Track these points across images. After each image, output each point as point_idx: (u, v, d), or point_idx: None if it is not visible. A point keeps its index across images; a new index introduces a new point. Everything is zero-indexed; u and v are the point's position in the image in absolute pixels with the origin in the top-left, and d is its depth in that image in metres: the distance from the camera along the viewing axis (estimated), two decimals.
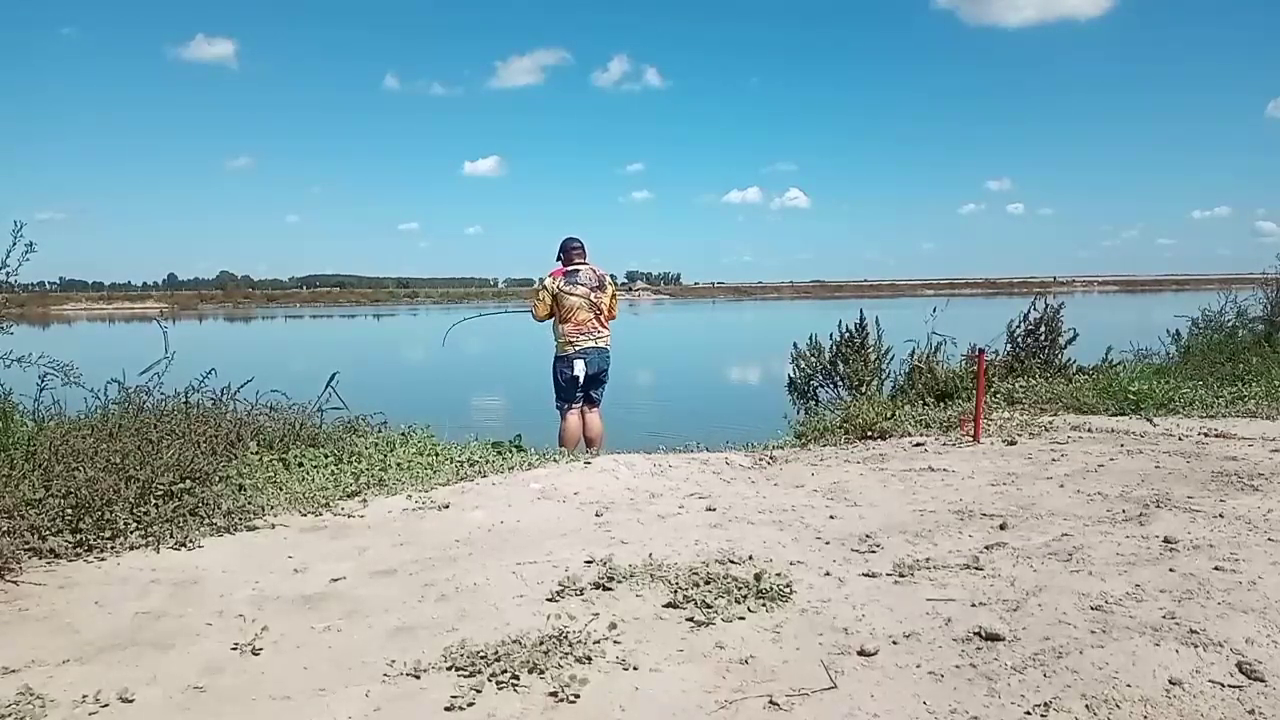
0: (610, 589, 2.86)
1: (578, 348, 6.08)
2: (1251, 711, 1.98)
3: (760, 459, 5.17)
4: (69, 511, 3.41)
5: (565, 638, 2.44)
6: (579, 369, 6.05)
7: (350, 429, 5.27)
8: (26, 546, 3.16)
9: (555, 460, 5.06)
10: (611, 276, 6.46)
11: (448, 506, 4.04)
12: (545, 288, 6.16)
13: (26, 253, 3.77)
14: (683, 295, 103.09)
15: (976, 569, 2.96)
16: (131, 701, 2.20)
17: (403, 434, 5.29)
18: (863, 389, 7.25)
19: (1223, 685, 2.08)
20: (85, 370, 4.22)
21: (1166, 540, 3.17)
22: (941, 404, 6.51)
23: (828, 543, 3.36)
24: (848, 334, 7.90)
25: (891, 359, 7.73)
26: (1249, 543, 3.13)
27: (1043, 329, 7.71)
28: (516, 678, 2.23)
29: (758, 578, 2.83)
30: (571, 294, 6.10)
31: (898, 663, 2.29)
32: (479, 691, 2.18)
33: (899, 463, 4.83)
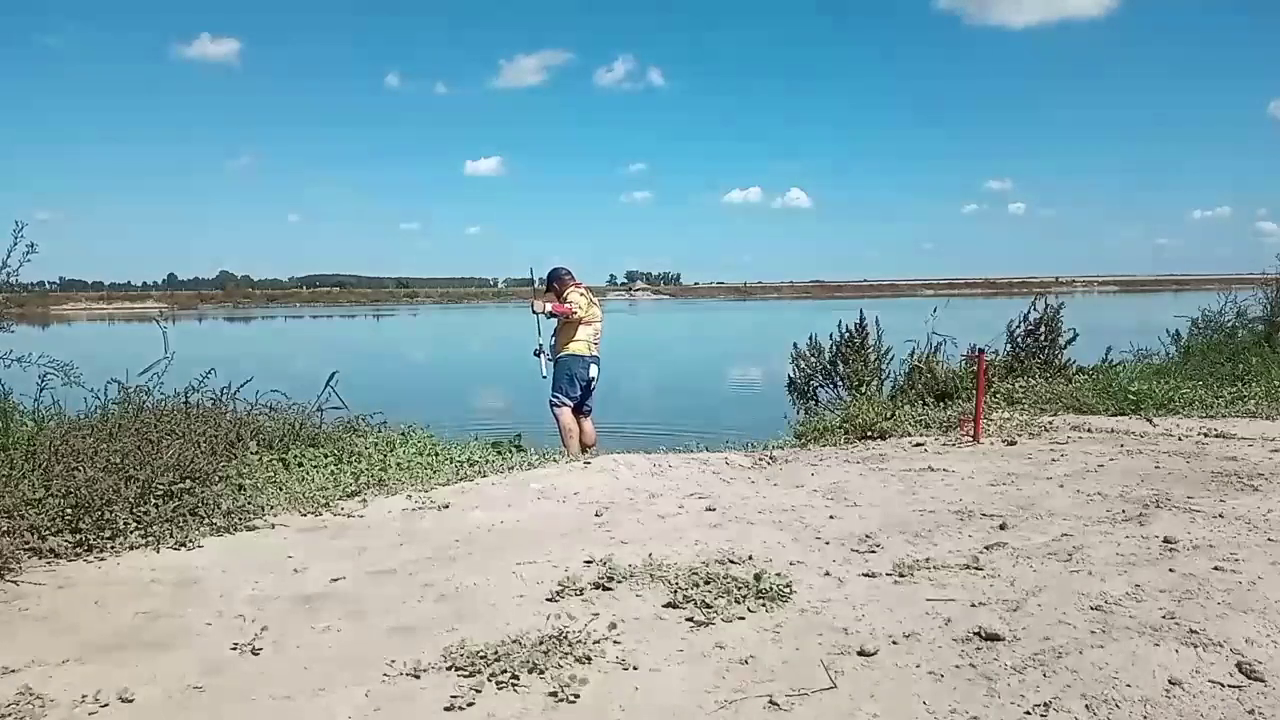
0: (610, 589, 2.86)
1: (594, 353, 6.63)
2: (1251, 711, 1.97)
3: (760, 459, 5.17)
4: (69, 511, 3.41)
5: (565, 638, 2.44)
6: (594, 371, 6.61)
7: (350, 429, 5.28)
8: (26, 546, 3.17)
9: (555, 460, 5.06)
10: None
11: (448, 506, 4.04)
12: (579, 300, 6.55)
13: (27, 253, 3.77)
14: (683, 295, 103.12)
15: (976, 569, 2.95)
16: (131, 701, 2.20)
17: (403, 434, 5.30)
18: (863, 389, 7.25)
19: (1223, 685, 2.08)
20: (85, 370, 4.23)
21: (1166, 540, 3.16)
22: (941, 404, 6.52)
23: (827, 543, 3.36)
24: (848, 334, 7.90)
25: (891, 359, 7.73)
26: (1249, 543, 3.13)
27: (1043, 329, 7.71)
28: (516, 678, 2.23)
29: (758, 578, 2.83)
30: (595, 304, 6.76)
31: (897, 663, 2.29)
32: (479, 691, 2.18)
33: (899, 463, 4.83)
